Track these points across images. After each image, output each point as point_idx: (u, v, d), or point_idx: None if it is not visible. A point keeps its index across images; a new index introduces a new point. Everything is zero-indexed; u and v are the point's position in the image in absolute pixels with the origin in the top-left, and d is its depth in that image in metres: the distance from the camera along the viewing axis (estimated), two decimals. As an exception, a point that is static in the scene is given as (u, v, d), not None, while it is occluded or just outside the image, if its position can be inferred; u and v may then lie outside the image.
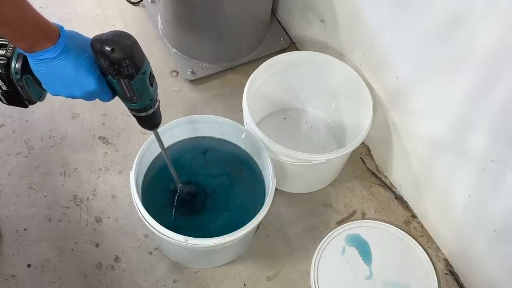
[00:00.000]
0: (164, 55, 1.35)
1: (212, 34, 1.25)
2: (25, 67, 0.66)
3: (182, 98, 1.30)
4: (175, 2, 1.21)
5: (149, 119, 0.77)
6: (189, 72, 1.30)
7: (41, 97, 0.73)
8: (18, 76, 0.67)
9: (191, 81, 1.31)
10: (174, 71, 1.34)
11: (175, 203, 1.01)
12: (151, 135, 0.97)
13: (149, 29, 1.39)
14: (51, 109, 1.25)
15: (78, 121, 1.24)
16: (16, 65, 0.66)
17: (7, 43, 0.67)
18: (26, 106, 0.73)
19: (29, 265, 1.05)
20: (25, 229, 1.09)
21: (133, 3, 1.44)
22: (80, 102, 1.26)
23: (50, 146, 1.20)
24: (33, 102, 0.73)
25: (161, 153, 1.03)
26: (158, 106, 0.76)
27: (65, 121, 1.23)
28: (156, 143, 0.98)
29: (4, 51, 0.66)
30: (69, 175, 1.16)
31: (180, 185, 0.99)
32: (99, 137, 1.22)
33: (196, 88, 1.32)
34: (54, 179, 1.15)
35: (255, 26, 1.32)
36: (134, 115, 0.76)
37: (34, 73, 0.65)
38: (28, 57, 0.63)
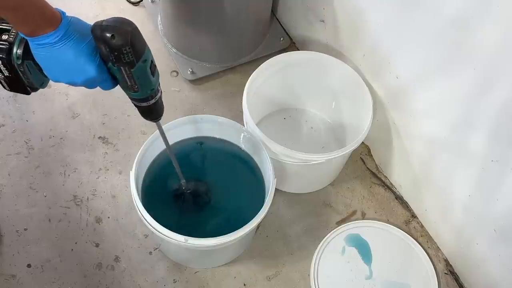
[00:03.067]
0: (164, 55, 1.35)
1: (212, 34, 1.25)
2: (27, 53, 0.66)
3: (182, 98, 1.30)
4: (175, 2, 1.21)
5: (151, 110, 0.76)
6: (189, 72, 1.30)
7: (43, 84, 0.72)
8: (19, 61, 0.67)
9: (191, 81, 1.31)
10: (174, 71, 1.34)
11: (175, 203, 1.02)
12: (151, 134, 0.97)
13: (149, 29, 1.39)
14: (51, 109, 1.25)
15: (78, 121, 1.24)
16: (18, 51, 0.66)
17: (10, 28, 0.67)
18: (28, 93, 0.72)
19: (29, 265, 1.05)
20: (25, 229, 1.09)
21: (133, 3, 1.44)
22: (80, 102, 1.27)
23: (50, 146, 1.20)
24: (35, 89, 0.72)
25: (161, 153, 1.03)
26: (160, 97, 0.75)
27: (65, 121, 1.23)
28: (156, 143, 0.99)
29: (7, 36, 0.66)
30: (69, 175, 1.16)
31: (184, 181, 0.97)
32: (99, 137, 1.22)
33: (196, 88, 1.32)
34: (54, 179, 1.15)
35: (255, 26, 1.32)
36: (136, 105, 0.75)
37: (34, 58, 0.65)
38: (29, 41, 0.63)
